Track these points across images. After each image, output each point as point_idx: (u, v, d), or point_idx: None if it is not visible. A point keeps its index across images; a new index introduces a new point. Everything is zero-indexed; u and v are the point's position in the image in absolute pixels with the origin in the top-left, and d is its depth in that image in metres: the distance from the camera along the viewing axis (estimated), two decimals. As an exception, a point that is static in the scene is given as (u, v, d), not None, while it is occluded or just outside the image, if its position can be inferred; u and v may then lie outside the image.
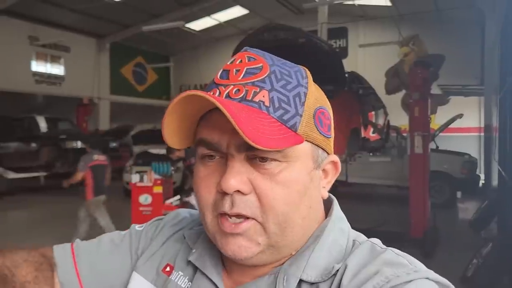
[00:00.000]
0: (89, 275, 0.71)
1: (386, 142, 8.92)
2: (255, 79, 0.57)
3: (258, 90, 0.57)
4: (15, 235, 6.89)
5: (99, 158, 6.51)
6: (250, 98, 0.56)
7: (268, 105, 0.56)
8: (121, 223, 7.01)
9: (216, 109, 0.53)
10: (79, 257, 0.73)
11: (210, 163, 0.59)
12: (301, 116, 0.58)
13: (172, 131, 0.60)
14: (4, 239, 6.40)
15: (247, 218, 0.56)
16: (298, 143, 0.56)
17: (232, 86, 0.58)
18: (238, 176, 0.56)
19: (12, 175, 11.94)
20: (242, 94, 0.57)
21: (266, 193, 0.56)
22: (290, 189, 0.57)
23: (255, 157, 0.56)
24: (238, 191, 0.56)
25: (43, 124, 12.78)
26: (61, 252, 0.74)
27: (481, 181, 10.25)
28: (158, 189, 6.49)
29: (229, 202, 0.56)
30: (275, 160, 0.56)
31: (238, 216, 0.57)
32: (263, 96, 0.56)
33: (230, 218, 0.57)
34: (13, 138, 12.02)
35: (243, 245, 0.57)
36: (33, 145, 12.18)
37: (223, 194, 0.56)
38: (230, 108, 0.51)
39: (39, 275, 0.67)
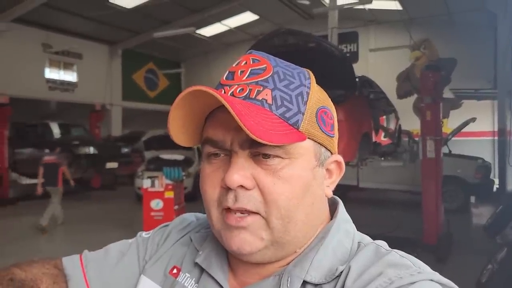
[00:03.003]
0: (98, 286, 0.72)
1: (398, 147, 8.84)
2: (259, 79, 0.59)
3: (261, 89, 0.58)
4: (29, 240, 6.97)
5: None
6: (253, 96, 0.58)
7: (270, 102, 0.58)
8: (133, 228, 7.05)
9: (221, 107, 0.55)
10: (88, 268, 0.74)
11: (215, 161, 0.61)
12: (303, 114, 0.59)
13: (178, 127, 0.61)
14: (18, 245, 6.48)
15: (251, 212, 0.57)
16: (300, 140, 0.57)
17: (236, 86, 0.59)
18: (242, 171, 0.57)
19: (26, 180, 12.10)
20: (246, 93, 0.58)
21: (269, 188, 0.57)
22: (292, 184, 0.57)
23: (258, 153, 0.57)
24: (242, 186, 0.57)
25: (56, 130, 12.95)
26: (70, 263, 0.74)
27: (496, 186, 10.11)
28: (169, 194, 6.52)
29: (233, 197, 0.57)
30: (278, 156, 0.57)
31: (242, 211, 0.58)
32: (266, 95, 0.58)
33: (235, 213, 0.58)
34: (27, 144, 12.19)
35: (247, 239, 0.58)
36: (47, 151, 12.33)
37: (227, 189, 0.58)
38: (234, 103, 0.52)
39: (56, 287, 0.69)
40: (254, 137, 0.51)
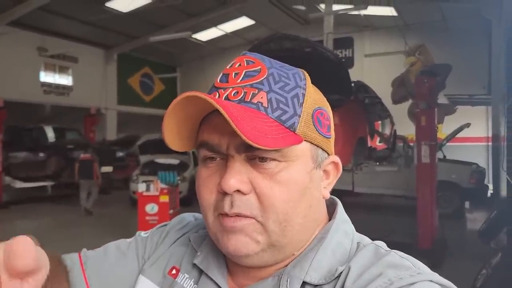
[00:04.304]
0: (97, 284, 0.72)
1: (392, 152, 8.88)
2: (254, 81, 0.58)
3: (256, 92, 0.57)
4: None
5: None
6: (248, 100, 0.57)
7: (266, 106, 0.57)
8: (128, 232, 7.01)
9: (216, 111, 0.54)
10: (86, 265, 0.73)
11: (211, 165, 0.60)
12: (299, 116, 0.58)
13: (173, 133, 0.60)
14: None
15: (246, 217, 0.57)
16: (297, 142, 0.56)
17: (231, 89, 0.59)
18: (238, 176, 0.56)
19: (19, 184, 12.03)
20: (241, 96, 0.57)
21: (266, 193, 0.56)
22: (289, 188, 0.57)
23: (254, 157, 0.57)
24: (238, 191, 0.56)
25: (51, 134, 12.90)
26: (69, 261, 0.74)
27: (490, 191, 10.15)
28: (165, 198, 6.51)
29: (229, 202, 0.57)
30: (275, 160, 0.57)
31: (238, 216, 0.57)
32: (261, 97, 0.57)
33: (231, 217, 0.57)
34: (22, 147, 12.12)
35: (243, 241, 0.57)
36: (41, 155, 12.26)
37: (224, 194, 0.57)
38: (229, 108, 0.51)
39: (57, 274, 0.67)
40: (249, 142, 0.50)
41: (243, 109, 0.55)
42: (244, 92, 0.58)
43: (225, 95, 0.59)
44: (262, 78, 0.58)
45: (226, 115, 0.50)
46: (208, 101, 0.52)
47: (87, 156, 10.07)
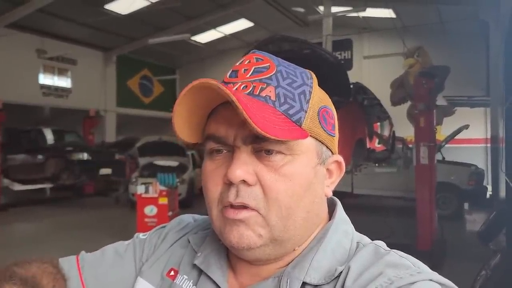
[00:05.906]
0: (95, 287, 0.72)
1: (392, 153, 8.88)
2: (263, 77, 0.59)
3: (265, 86, 0.59)
4: (20, 247, 6.90)
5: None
6: (257, 93, 0.58)
7: (274, 99, 0.58)
8: (127, 234, 7.00)
9: (224, 103, 0.56)
10: (84, 269, 0.73)
11: (217, 157, 0.61)
12: (305, 112, 0.59)
13: (182, 121, 0.61)
14: (9, 252, 6.41)
15: (250, 209, 0.57)
16: (303, 137, 0.57)
17: (240, 83, 0.60)
18: (244, 166, 0.57)
19: (18, 187, 12.01)
20: (250, 90, 0.59)
21: (271, 185, 0.57)
22: (293, 182, 0.57)
23: (260, 149, 0.57)
24: (244, 181, 0.57)
25: (49, 136, 12.88)
26: (66, 265, 0.74)
27: (489, 193, 10.16)
28: (163, 200, 6.51)
29: (234, 192, 0.57)
30: (280, 153, 0.57)
31: (242, 207, 0.58)
32: (270, 92, 0.58)
33: (235, 209, 0.58)
34: (20, 150, 12.11)
35: (245, 233, 0.58)
36: (40, 157, 12.24)
37: (229, 185, 0.58)
38: (239, 97, 0.52)
39: (56, 285, 0.68)
40: (260, 131, 0.51)
41: (252, 100, 0.56)
42: (253, 86, 0.59)
43: (234, 88, 0.59)
44: (271, 74, 0.60)
45: (237, 103, 0.51)
46: (217, 91, 0.53)
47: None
